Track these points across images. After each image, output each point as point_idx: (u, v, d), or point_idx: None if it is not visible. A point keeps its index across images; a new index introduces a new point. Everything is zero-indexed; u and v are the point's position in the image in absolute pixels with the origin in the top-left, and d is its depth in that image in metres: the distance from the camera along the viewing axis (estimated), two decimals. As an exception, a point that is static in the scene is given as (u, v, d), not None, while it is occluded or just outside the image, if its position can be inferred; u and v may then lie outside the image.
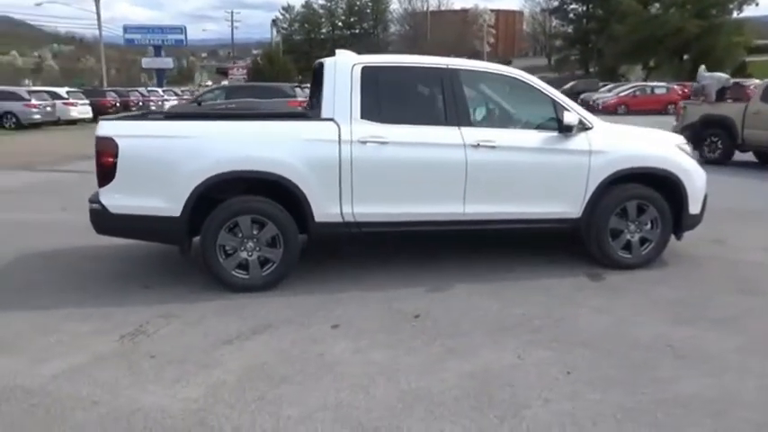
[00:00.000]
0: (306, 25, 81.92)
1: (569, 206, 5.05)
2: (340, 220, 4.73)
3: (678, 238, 5.53)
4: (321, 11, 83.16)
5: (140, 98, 31.26)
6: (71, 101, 25.83)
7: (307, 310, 4.34)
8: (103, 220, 4.56)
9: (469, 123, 4.88)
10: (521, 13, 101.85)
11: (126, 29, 40.62)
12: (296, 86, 21.80)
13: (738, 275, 5.13)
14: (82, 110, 26.15)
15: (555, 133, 4.93)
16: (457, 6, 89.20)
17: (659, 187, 5.19)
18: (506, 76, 5.13)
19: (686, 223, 5.33)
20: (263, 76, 40.86)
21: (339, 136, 4.63)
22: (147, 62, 40.88)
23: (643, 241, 5.26)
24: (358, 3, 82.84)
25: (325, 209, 4.67)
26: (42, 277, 5.10)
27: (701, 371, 3.46)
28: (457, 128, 4.81)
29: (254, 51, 61.48)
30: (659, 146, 5.29)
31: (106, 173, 4.46)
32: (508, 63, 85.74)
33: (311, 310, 4.36)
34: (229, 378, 3.38)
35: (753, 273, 5.22)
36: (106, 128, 4.50)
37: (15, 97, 23.23)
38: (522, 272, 5.17)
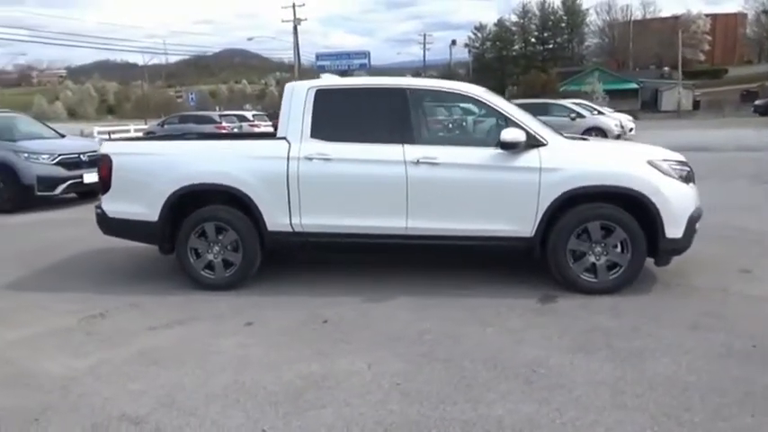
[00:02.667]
0: (497, 43, 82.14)
1: (519, 225, 4.92)
2: (290, 229, 5.18)
3: (657, 263, 5.06)
4: (514, 28, 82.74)
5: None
6: (256, 122, 29.16)
7: (238, 309, 4.85)
8: (104, 223, 5.54)
9: (413, 141, 5.02)
10: (743, 15, 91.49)
11: (318, 56, 44.56)
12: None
13: (714, 311, 4.55)
14: (265, 130, 29.36)
15: (502, 150, 4.86)
16: (665, 13, 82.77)
17: (631, 208, 4.83)
18: (458, 93, 5.16)
19: (664, 248, 4.87)
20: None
21: (288, 153, 5.10)
22: (334, 86, 44.34)
23: (613, 265, 4.91)
24: (552, 17, 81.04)
25: (276, 219, 5.15)
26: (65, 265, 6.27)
27: (529, 397, 3.31)
28: (400, 145, 4.99)
29: (432, 73, 63.19)
30: (623, 163, 4.89)
31: (105, 183, 5.44)
32: (724, 72, 77.31)
33: (242, 308, 4.85)
34: (119, 356, 4.01)
35: (734, 310, 4.59)
36: (105, 147, 5.50)
37: (209, 120, 27.05)
38: (476, 290, 5.12)
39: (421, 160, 4.93)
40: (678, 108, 49.07)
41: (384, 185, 4.99)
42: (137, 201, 5.33)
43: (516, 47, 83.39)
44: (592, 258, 4.91)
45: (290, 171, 5.07)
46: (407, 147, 4.98)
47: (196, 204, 5.32)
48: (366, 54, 43.69)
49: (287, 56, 50.89)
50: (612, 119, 20.74)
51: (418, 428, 3.02)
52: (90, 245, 6.96)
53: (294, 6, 47.86)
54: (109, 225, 5.52)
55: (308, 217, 5.13)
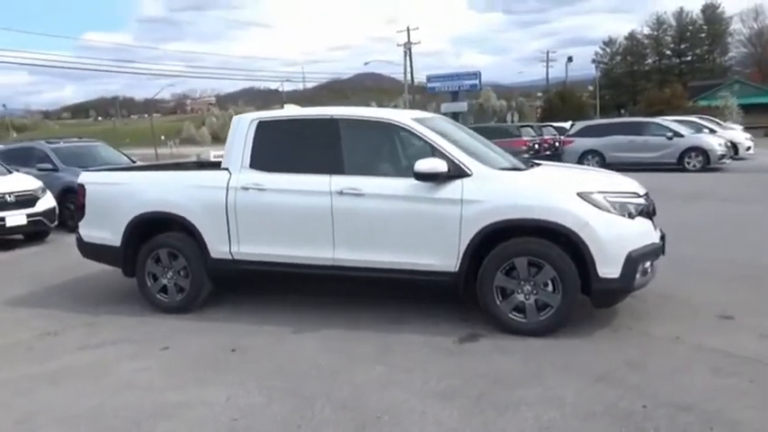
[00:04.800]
0: (628, 57, 77.85)
1: (442, 259, 4.70)
2: (230, 257, 5.33)
3: (595, 305, 4.61)
4: (646, 41, 78.09)
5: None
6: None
7: (172, 332, 5.05)
8: (81, 247, 6.03)
9: (341, 171, 4.98)
10: None
11: (428, 78, 44.83)
12: (523, 127, 21.60)
13: (639, 363, 4.06)
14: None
15: (417, 181, 4.69)
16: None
17: (562, 244, 4.47)
18: (387, 123, 5.03)
19: (597, 288, 4.42)
20: (552, 114, 40.85)
21: (228, 183, 5.27)
22: (445, 107, 44.28)
23: (544, 305, 4.55)
24: (690, 27, 75.44)
25: (217, 246, 5.33)
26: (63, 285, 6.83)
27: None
28: (328, 176, 4.98)
29: (541, 92, 60.46)
30: (548, 195, 4.51)
31: (81, 210, 5.93)
32: None
33: (175, 332, 5.06)
34: (32, 372, 4.35)
35: (663, 363, 4.06)
36: (81, 177, 5.99)
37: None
38: (406, 325, 4.94)
39: (345, 191, 4.89)
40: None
41: (312, 216, 4.99)
42: (104, 227, 5.75)
43: (649, 60, 78.48)
44: (520, 297, 4.57)
45: (229, 200, 5.23)
46: (335, 177, 4.96)
47: (159, 231, 5.62)
48: (477, 75, 43.19)
49: (417, 78, 51.52)
50: (718, 138, 18.89)
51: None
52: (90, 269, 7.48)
53: (408, 30, 48.72)
54: (84, 248, 6.00)
55: (245, 245, 5.25)
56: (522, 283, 4.56)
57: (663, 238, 4.95)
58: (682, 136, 18.03)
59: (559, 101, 43.78)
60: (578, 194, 4.42)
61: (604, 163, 18.99)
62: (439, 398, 3.65)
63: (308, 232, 5.03)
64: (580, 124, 20.69)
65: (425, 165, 4.58)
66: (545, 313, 4.53)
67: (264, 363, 4.34)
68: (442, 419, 3.38)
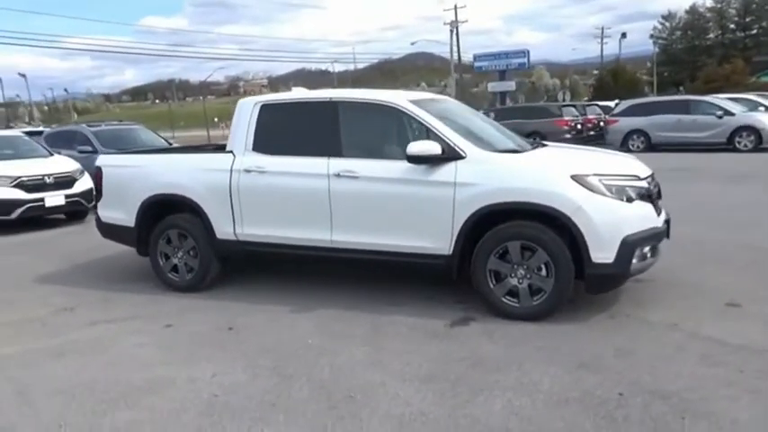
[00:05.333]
0: (689, 32, 74.46)
1: (436, 242, 4.69)
2: (234, 238, 5.45)
3: (588, 291, 4.52)
4: (708, 14, 74.45)
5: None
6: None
7: (178, 310, 5.22)
8: (99, 227, 6.28)
9: (339, 154, 5.01)
10: None
11: (475, 57, 44.17)
12: (566, 106, 21.04)
13: (627, 350, 3.97)
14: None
15: (409, 164, 4.67)
16: None
17: (556, 228, 4.39)
18: (386, 105, 4.99)
19: (591, 274, 4.33)
20: (603, 93, 39.63)
21: (232, 166, 5.37)
22: (492, 86, 43.61)
23: (538, 290, 4.49)
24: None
25: (223, 228, 5.46)
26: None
27: (315, 421, 3.24)
28: (326, 158, 5.02)
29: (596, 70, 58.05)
30: (540, 177, 4.41)
31: (99, 192, 6.16)
32: None
33: (181, 310, 5.22)
34: (43, 346, 4.58)
35: (653, 351, 3.97)
36: (99, 160, 6.21)
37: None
38: (402, 306, 4.97)
39: (341, 173, 4.92)
40: None
41: (311, 198, 5.05)
42: (120, 208, 5.96)
43: (711, 35, 74.85)
44: (513, 281, 4.52)
45: (233, 182, 5.34)
46: (332, 160, 4.99)
47: (170, 212, 5.80)
48: (525, 53, 42.26)
49: (467, 57, 50.60)
50: (772, 116, 17.96)
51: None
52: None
53: (456, 8, 47.97)
54: (102, 228, 6.24)
55: (248, 227, 5.36)
56: (515, 266, 4.51)
57: (667, 221, 4.79)
58: (732, 114, 17.23)
59: (611, 78, 42.34)
60: (572, 177, 4.32)
61: (650, 143, 18.41)
62: (416, 380, 3.67)
63: (307, 214, 5.09)
64: (625, 103, 20.02)
65: (417, 147, 4.55)
66: (538, 298, 4.47)
67: (257, 341, 4.45)
68: (413, 401, 3.41)
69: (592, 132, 21.03)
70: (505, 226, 4.49)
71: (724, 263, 5.86)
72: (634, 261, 4.37)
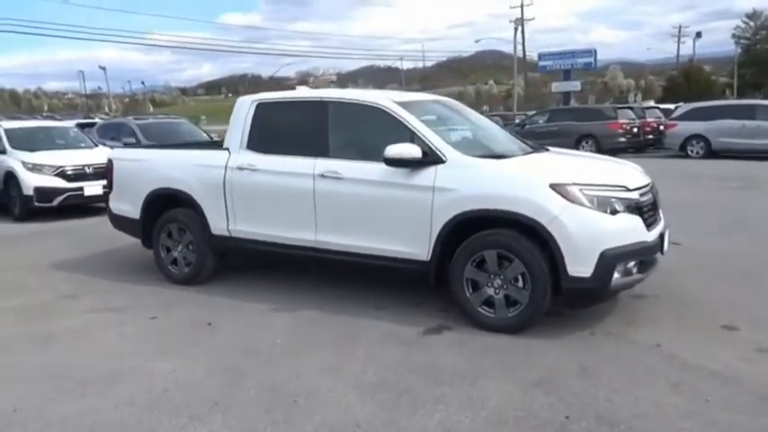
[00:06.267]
0: (775, 32, 70.08)
1: (415, 247, 4.59)
2: (228, 234, 5.53)
3: (569, 305, 4.32)
4: (798, 12, 69.78)
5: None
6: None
7: (168, 303, 5.35)
8: (110, 218, 6.50)
9: (326, 154, 4.98)
10: None
11: (540, 56, 43.18)
12: (622, 108, 20.22)
13: (594, 371, 3.78)
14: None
15: (387, 167, 4.60)
16: None
17: (534, 238, 4.22)
18: (372, 106, 4.91)
19: (568, 287, 4.14)
20: (674, 95, 37.94)
21: (227, 163, 5.45)
22: (556, 86, 42.53)
23: (515, 301, 4.34)
24: None
25: (217, 223, 5.55)
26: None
27: (253, 424, 3.24)
28: (313, 158, 5.01)
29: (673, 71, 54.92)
30: (517, 185, 4.23)
31: (109, 184, 6.38)
32: None
33: (168, 303, 5.34)
34: (35, 330, 4.77)
35: (621, 372, 3.75)
36: (110, 153, 6.44)
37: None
38: (384, 311, 4.90)
39: (325, 174, 4.90)
40: None
41: (297, 198, 5.05)
42: (127, 200, 6.16)
43: (801, 34, 70.19)
44: (490, 291, 4.38)
45: (227, 179, 5.42)
46: (319, 160, 4.98)
47: (172, 206, 5.94)
48: (591, 52, 40.98)
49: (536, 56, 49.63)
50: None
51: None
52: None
53: (522, 6, 47.05)
54: (112, 219, 6.47)
55: (240, 224, 5.42)
56: (491, 276, 4.37)
57: (662, 235, 4.52)
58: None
59: (683, 80, 40.42)
60: (551, 186, 4.13)
61: (710, 149, 17.50)
62: (364, 389, 3.60)
63: (294, 214, 5.10)
64: (686, 106, 19.06)
65: (394, 150, 4.47)
66: (514, 310, 4.32)
67: (228, 339, 4.50)
68: (353, 410, 3.35)
69: (650, 136, 20.16)
70: (483, 234, 4.36)
71: (743, 282, 5.48)
72: (616, 276, 4.15)
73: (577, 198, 4.09)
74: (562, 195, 4.10)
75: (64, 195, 10.00)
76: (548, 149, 5.58)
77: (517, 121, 23.71)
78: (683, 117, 18.32)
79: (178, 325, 4.83)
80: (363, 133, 5.10)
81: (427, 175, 4.50)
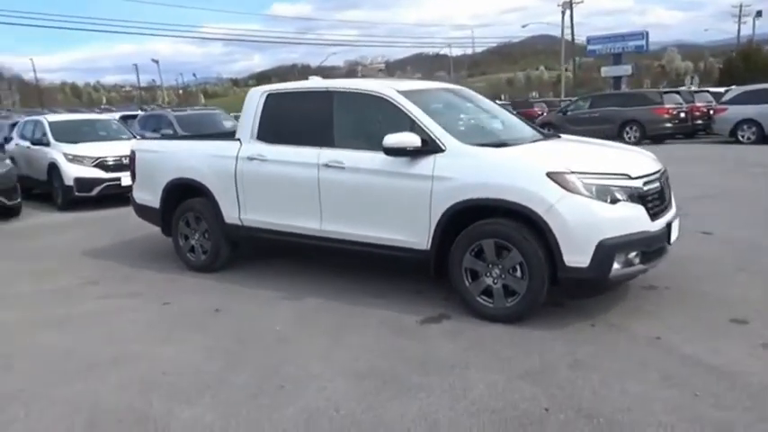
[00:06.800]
0: None
1: (415, 236, 4.60)
2: (239, 223, 5.65)
3: (570, 295, 4.25)
4: None
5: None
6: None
7: (183, 290, 5.52)
8: (134, 207, 6.72)
9: (331, 144, 5.02)
10: None
11: (588, 40, 42.04)
12: (668, 93, 19.49)
13: (587, 363, 3.71)
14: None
15: (386, 156, 4.60)
16: None
17: (531, 227, 4.17)
18: (374, 96, 4.90)
19: (564, 277, 4.08)
20: (731, 78, 36.31)
21: (238, 153, 5.56)
22: (605, 71, 41.37)
23: (513, 291, 4.30)
24: None
25: (230, 212, 5.68)
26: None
27: (212, 407, 3.34)
28: (318, 148, 5.06)
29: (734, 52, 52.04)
30: (513, 173, 4.16)
31: (133, 174, 6.60)
32: None
33: (182, 290, 5.51)
34: (49, 314, 5.01)
35: (614, 365, 3.67)
36: (133, 144, 6.64)
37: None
38: (387, 300, 4.93)
39: (330, 163, 4.94)
40: None
41: (303, 187, 5.11)
42: (148, 190, 6.36)
43: None
44: (489, 280, 4.35)
45: (238, 169, 5.53)
46: (324, 150, 5.02)
47: (190, 196, 6.11)
48: (643, 35, 39.64)
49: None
50: None
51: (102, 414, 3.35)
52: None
53: (570, -11, 45.78)
54: (136, 208, 6.69)
55: (250, 213, 5.53)
56: (490, 266, 4.33)
57: (669, 225, 4.39)
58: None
59: (741, 62, 38.59)
60: (548, 174, 4.06)
61: (762, 134, 16.74)
62: (351, 376, 3.65)
63: (301, 203, 5.17)
64: (737, 90, 18.26)
65: (393, 139, 4.47)
66: (512, 299, 4.27)
67: (232, 325, 4.61)
68: (335, 397, 3.40)
69: (699, 122, 19.40)
70: (481, 223, 4.32)
71: (766, 276, 5.25)
72: (616, 266, 4.05)
73: (575, 186, 4.01)
74: (559, 184, 4.02)
75: (102, 185, 10.37)
76: (560, 137, 5.48)
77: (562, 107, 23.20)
78: (733, 101, 17.55)
79: (188, 311, 4.97)
80: (366, 123, 5.10)
81: (426, 164, 4.49)
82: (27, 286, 5.92)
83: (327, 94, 5.18)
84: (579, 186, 4.01)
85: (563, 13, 44.77)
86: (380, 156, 4.68)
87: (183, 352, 4.13)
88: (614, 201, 4.06)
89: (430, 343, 4.09)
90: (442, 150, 4.47)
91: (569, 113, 20.18)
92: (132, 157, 6.56)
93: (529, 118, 28.10)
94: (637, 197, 4.16)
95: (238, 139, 5.63)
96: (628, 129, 18.60)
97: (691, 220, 7.50)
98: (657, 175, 4.47)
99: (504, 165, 4.28)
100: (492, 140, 4.78)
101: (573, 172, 4.05)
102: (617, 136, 18.71)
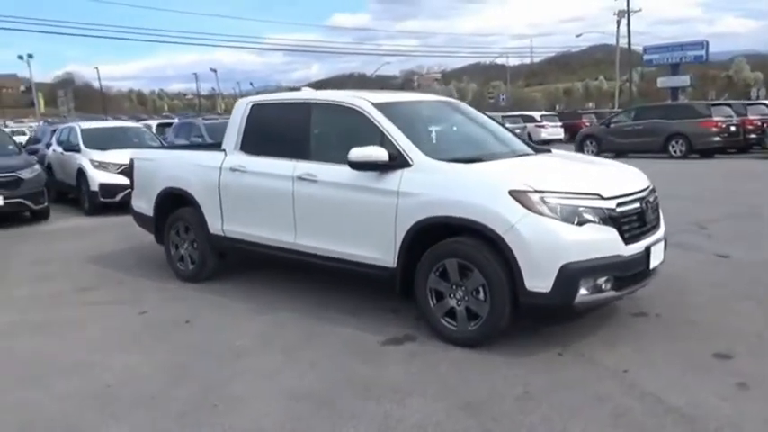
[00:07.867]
0: None
1: (381, 253, 4.45)
2: (222, 234, 5.63)
3: (534, 319, 4.01)
4: None
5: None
6: (542, 123, 28.68)
7: (161, 299, 5.54)
8: (133, 215, 6.81)
9: (307, 157, 4.94)
10: None
11: (645, 50, 40.78)
12: (717, 105, 18.59)
13: (536, 395, 3.48)
14: (552, 131, 28.69)
15: (351, 170, 4.47)
16: None
17: (493, 248, 3.96)
18: (347, 107, 4.77)
19: (525, 302, 3.85)
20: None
21: (222, 164, 5.55)
22: (662, 81, 40.01)
23: (476, 314, 4.10)
24: None
25: (214, 223, 5.66)
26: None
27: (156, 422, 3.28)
28: (294, 161, 4.98)
29: None
30: (474, 191, 3.95)
31: (132, 182, 6.70)
32: None
33: (164, 299, 5.53)
34: (34, 318, 5.12)
35: (578, 400, 3.42)
36: (132, 153, 6.74)
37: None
38: (356, 318, 4.80)
39: (303, 176, 4.86)
40: None
41: (279, 200, 5.04)
42: (144, 198, 6.44)
43: None
44: (452, 302, 4.16)
45: (221, 180, 5.51)
46: (299, 162, 4.94)
47: (181, 205, 6.14)
48: (703, 44, 38.18)
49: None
50: None
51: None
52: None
53: (627, -3, 44.51)
54: (134, 216, 6.77)
55: (231, 224, 5.50)
56: (454, 287, 4.14)
57: (648, 249, 4.09)
58: None
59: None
60: (510, 193, 3.84)
61: (818, 150, 15.75)
62: (291, 397, 3.53)
63: (276, 216, 5.10)
64: (793, 103, 17.26)
65: (358, 153, 4.34)
66: (475, 323, 4.06)
67: (196, 337, 4.57)
68: (265, 420, 3.29)
69: (752, 135, 18.43)
70: (444, 242, 4.14)
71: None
72: (583, 292, 3.80)
73: (537, 206, 3.78)
74: (521, 203, 3.80)
75: (125, 191, 10.56)
76: (550, 151, 5.23)
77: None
78: (789, 114, 16.59)
79: (159, 321, 4.96)
80: (340, 135, 4.99)
81: (393, 179, 4.34)
82: (25, 289, 6.07)
83: (306, 106, 5.11)
84: (542, 206, 3.78)
85: (618, 21, 43.54)
86: (350, 169, 4.55)
87: (136, 363, 4.11)
88: (582, 222, 3.81)
89: (383, 366, 3.93)
90: (410, 165, 4.31)
91: (612, 126, 19.53)
92: (131, 165, 6.65)
93: (575, 130, 27.63)
94: (608, 219, 3.89)
95: (224, 150, 5.62)
96: (673, 142, 17.83)
97: (710, 241, 7.09)
98: (639, 196, 4.18)
99: (468, 181, 4.09)
100: (467, 155, 4.58)
101: (536, 191, 3.83)
102: (662, 149, 17.99)
